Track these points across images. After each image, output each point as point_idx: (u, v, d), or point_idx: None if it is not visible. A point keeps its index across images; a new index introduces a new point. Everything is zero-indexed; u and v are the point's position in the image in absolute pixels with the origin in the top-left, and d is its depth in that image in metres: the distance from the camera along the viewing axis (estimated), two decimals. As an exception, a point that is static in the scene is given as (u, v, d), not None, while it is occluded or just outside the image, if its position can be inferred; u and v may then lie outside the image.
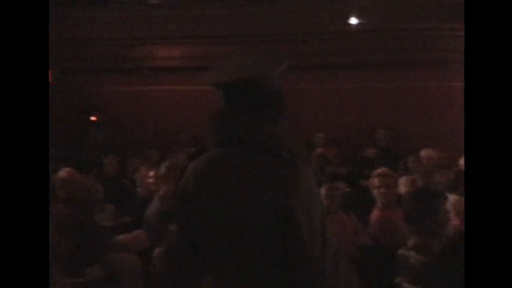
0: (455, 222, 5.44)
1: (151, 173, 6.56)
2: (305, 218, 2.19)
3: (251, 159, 2.28)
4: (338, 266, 2.33)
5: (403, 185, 5.98)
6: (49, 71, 8.32)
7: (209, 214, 2.31)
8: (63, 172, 5.41)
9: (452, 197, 5.45)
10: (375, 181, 5.73)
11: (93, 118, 11.15)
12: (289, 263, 2.19)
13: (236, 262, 2.27)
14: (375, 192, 5.70)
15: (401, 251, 3.96)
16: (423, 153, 7.83)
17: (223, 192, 2.29)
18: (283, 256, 2.20)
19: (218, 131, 2.39)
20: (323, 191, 5.32)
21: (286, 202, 2.18)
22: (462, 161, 6.94)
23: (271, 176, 2.23)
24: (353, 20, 9.98)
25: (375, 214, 5.62)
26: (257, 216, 2.21)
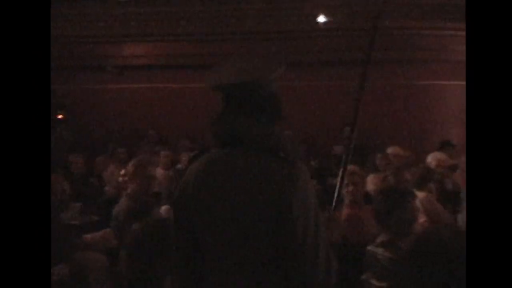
0: (422, 219, 5.48)
1: (122, 171, 6.50)
2: (302, 217, 2.27)
3: (250, 159, 2.35)
4: (331, 264, 2.36)
5: (371, 183, 6.00)
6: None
7: (209, 213, 2.36)
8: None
9: (419, 195, 5.48)
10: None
11: (59, 117, 11.02)
12: (287, 261, 2.27)
13: (235, 261, 2.32)
14: (343, 190, 5.70)
15: (369, 248, 3.97)
16: (390, 150, 7.88)
17: (223, 192, 2.35)
18: (281, 254, 2.27)
19: (218, 132, 2.45)
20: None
21: (285, 201, 2.26)
22: (429, 159, 7.00)
23: (270, 175, 2.30)
24: (321, 19, 9.99)
25: (343, 212, 5.62)
26: (256, 215, 2.27)
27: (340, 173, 3.66)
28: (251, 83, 2.40)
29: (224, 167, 2.38)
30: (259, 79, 2.41)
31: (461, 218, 5.28)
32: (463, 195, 6.48)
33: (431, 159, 6.90)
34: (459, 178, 7.17)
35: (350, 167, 5.94)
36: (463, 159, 7.74)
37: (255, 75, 2.42)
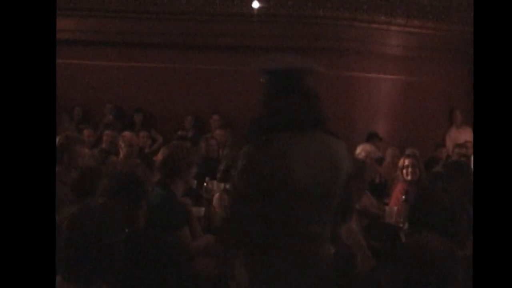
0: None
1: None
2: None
3: (322, 138, 2.91)
4: None
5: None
6: None
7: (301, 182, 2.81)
8: None
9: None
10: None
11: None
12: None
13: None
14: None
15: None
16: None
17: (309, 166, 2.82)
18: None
19: (281, 116, 2.83)
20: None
21: (346, 166, 2.96)
22: (358, 150, 7.05)
23: (335, 149, 2.92)
24: (256, 4, 9.90)
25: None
26: (332, 179, 2.88)
27: None
28: (304, 70, 2.86)
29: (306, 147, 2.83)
30: (311, 68, 2.91)
31: (388, 210, 5.35)
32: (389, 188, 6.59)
33: (360, 150, 6.95)
34: (385, 170, 7.30)
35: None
36: (389, 151, 7.88)
37: (310, 64, 2.92)
